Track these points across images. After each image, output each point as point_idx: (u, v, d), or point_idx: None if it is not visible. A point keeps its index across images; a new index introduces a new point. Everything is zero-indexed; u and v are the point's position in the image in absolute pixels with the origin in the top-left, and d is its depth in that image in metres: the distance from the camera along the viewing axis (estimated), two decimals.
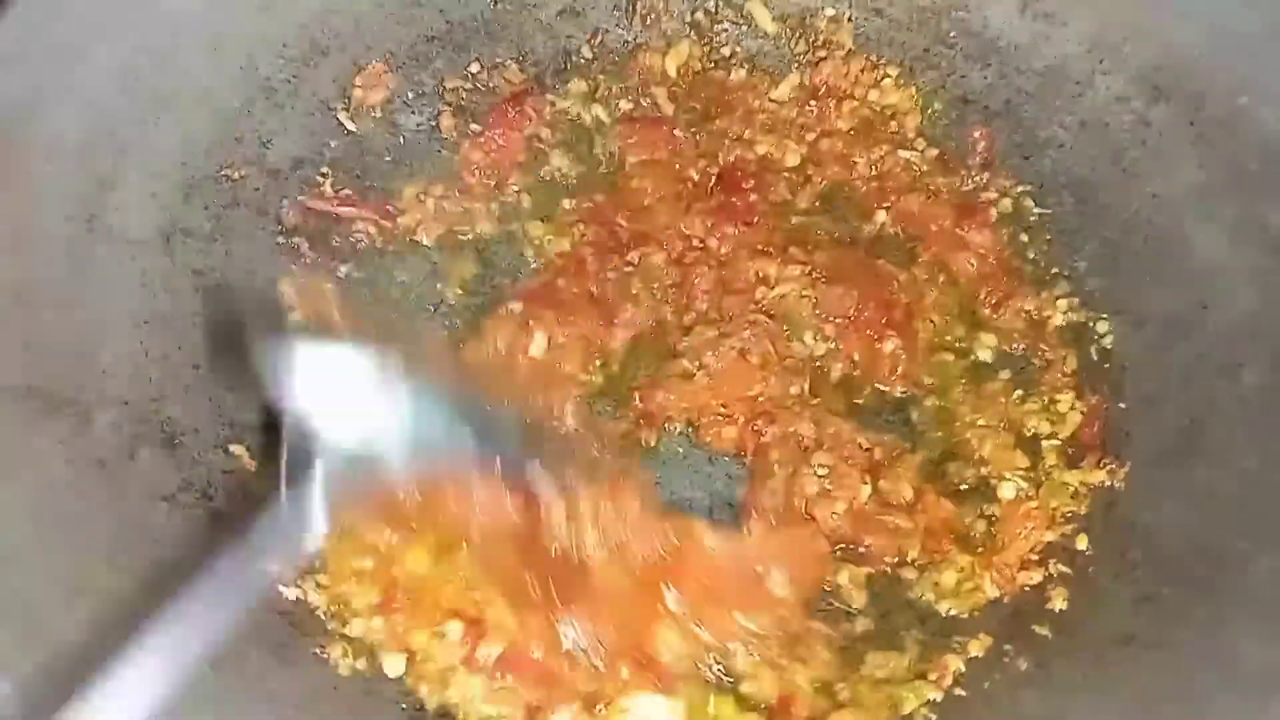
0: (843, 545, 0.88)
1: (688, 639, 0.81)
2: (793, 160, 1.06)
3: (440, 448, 0.78)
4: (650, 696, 0.81)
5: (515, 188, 1.04)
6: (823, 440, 0.91)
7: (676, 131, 1.07)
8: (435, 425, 0.78)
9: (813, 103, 1.08)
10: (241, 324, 0.83)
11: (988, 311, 0.99)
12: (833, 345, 0.96)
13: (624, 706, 0.80)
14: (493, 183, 1.04)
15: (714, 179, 1.04)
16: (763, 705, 0.82)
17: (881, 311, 0.96)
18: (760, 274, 0.98)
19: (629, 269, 0.99)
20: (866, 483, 0.89)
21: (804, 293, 0.96)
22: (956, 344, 0.98)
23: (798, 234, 1.01)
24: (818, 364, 0.95)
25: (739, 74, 1.10)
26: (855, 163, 1.06)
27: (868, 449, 0.91)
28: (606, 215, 1.02)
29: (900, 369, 0.95)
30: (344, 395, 0.75)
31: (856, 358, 0.95)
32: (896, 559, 0.88)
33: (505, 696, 0.81)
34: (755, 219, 1.01)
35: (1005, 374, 0.97)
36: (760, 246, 0.99)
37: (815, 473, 0.89)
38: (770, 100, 1.09)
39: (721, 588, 0.83)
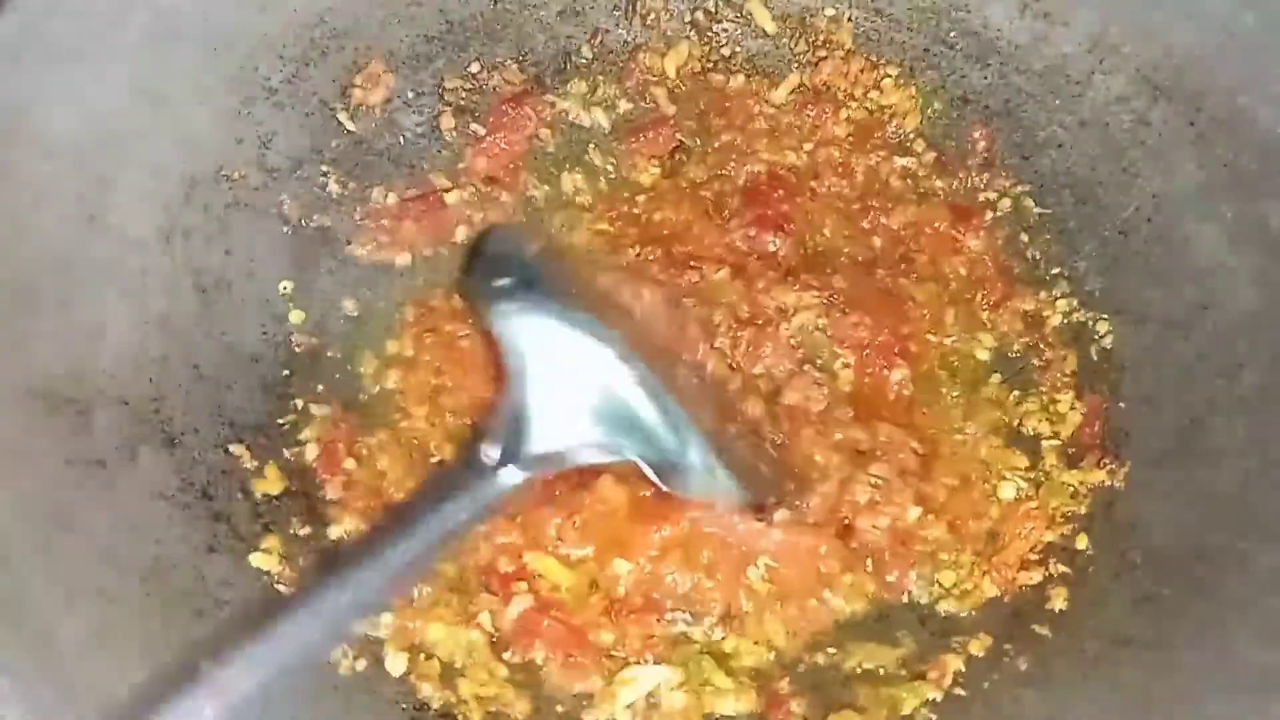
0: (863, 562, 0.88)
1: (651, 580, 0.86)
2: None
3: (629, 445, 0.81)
4: (651, 667, 0.83)
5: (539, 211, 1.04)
6: (876, 447, 0.90)
7: (679, 135, 1.07)
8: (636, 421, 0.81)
9: (810, 109, 1.08)
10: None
11: (986, 314, 0.99)
12: (848, 370, 0.95)
13: (627, 677, 0.82)
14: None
15: (739, 195, 1.04)
16: (754, 671, 0.83)
17: (894, 340, 0.96)
18: (779, 306, 0.96)
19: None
20: (918, 504, 0.88)
21: (819, 321, 0.96)
22: (957, 347, 0.98)
23: (818, 256, 1.01)
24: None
25: (737, 80, 1.10)
26: (854, 170, 1.06)
27: (922, 454, 0.91)
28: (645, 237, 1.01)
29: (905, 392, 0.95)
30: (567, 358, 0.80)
31: (872, 385, 0.95)
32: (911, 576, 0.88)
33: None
34: (793, 225, 1.01)
35: (1004, 374, 0.97)
36: (784, 269, 0.99)
37: (870, 483, 0.88)
38: (769, 106, 1.09)
39: (714, 561, 0.85)
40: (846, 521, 0.87)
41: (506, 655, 0.84)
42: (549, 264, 0.91)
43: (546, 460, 0.80)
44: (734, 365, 0.95)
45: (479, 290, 0.85)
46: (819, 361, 0.95)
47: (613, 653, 0.84)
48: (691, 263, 0.98)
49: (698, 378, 0.91)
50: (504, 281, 0.84)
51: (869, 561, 0.87)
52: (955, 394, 0.95)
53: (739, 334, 0.95)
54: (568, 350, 0.80)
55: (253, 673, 0.67)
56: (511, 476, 0.78)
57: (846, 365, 0.95)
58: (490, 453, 0.78)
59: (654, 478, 0.81)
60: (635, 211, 1.03)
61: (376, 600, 0.77)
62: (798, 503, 0.87)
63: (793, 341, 0.95)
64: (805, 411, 0.92)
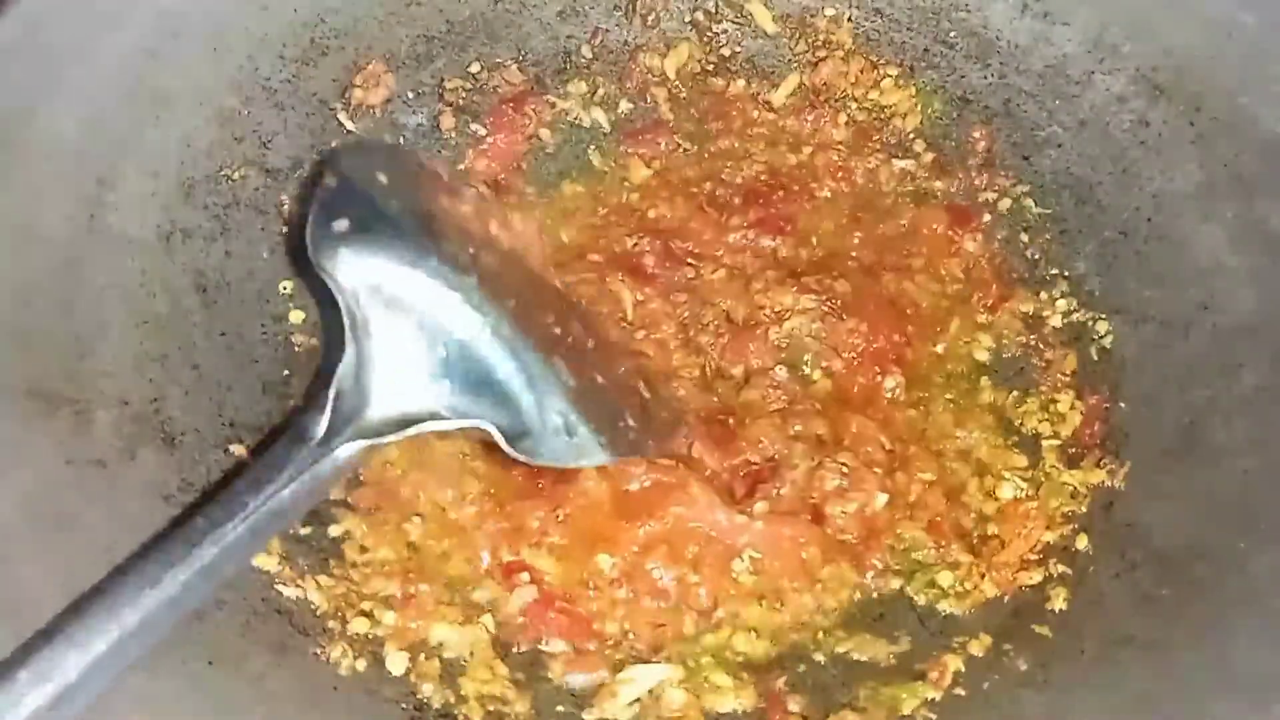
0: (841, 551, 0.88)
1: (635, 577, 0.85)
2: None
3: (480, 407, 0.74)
4: (652, 666, 0.83)
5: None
6: (843, 437, 0.91)
7: (677, 138, 1.07)
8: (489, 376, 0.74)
9: (809, 113, 1.08)
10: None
11: (984, 316, 0.99)
12: (826, 376, 0.95)
13: (628, 676, 0.82)
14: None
15: (737, 196, 1.04)
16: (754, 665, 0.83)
17: (890, 347, 0.96)
18: (774, 309, 0.97)
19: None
20: (885, 491, 0.89)
21: (813, 326, 0.96)
22: (954, 349, 0.98)
23: (818, 259, 1.01)
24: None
25: (737, 84, 1.10)
26: (853, 172, 1.06)
27: (890, 450, 0.91)
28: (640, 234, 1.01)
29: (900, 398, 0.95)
30: (406, 292, 0.72)
31: (855, 390, 0.95)
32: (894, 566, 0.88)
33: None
34: (792, 228, 1.01)
35: (1003, 375, 0.97)
36: (784, 271, 0.99)
37: (840, 469, 0.89)
38: (768, 112, 1.09)
39: (698, 555, 0.86)
40: (815, 505, 0.88)
41: (514, 649, 0.84)
42: (399, 193, 0.79)
43: (384, 427, 0.72)
44: (709, 368, 0.95)
45: (311, 237, 0.73)
46: (803, 366, 0.95)
47: (621, 644, 0.84)
48: (689, 260, 0.99)
49: (567, 318, 0.84)
50: (340, 224, 0.74)
51: (845, 551, 0.87)
52: (949, 396, 0.95)
53: (722, 334, 0.95)
54: (410, 297, 0.73)
55: (63, 671, 0.61)
56: (345, 449, 0.70)
57: (826, 372, 0.95)
58: (316, 424, 0.70)
59: (505, 446, 0.74)
60: (633, 208, 1.04)
61: (191, 595, 0.66)
62: (773, 491, 0.88)
63: (779, 344, 0.95)
64: (761, 408, 0.92)
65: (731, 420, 0.91)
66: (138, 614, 0.63)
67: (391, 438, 0.72)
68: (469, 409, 0.73)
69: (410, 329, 0.73)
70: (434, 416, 0.73)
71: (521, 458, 0.75)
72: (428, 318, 0.73)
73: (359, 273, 0.72)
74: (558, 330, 0.81)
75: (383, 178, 0.79)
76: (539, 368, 0.75)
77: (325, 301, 0.79)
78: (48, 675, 0.60)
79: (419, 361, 0.73)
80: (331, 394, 0.71)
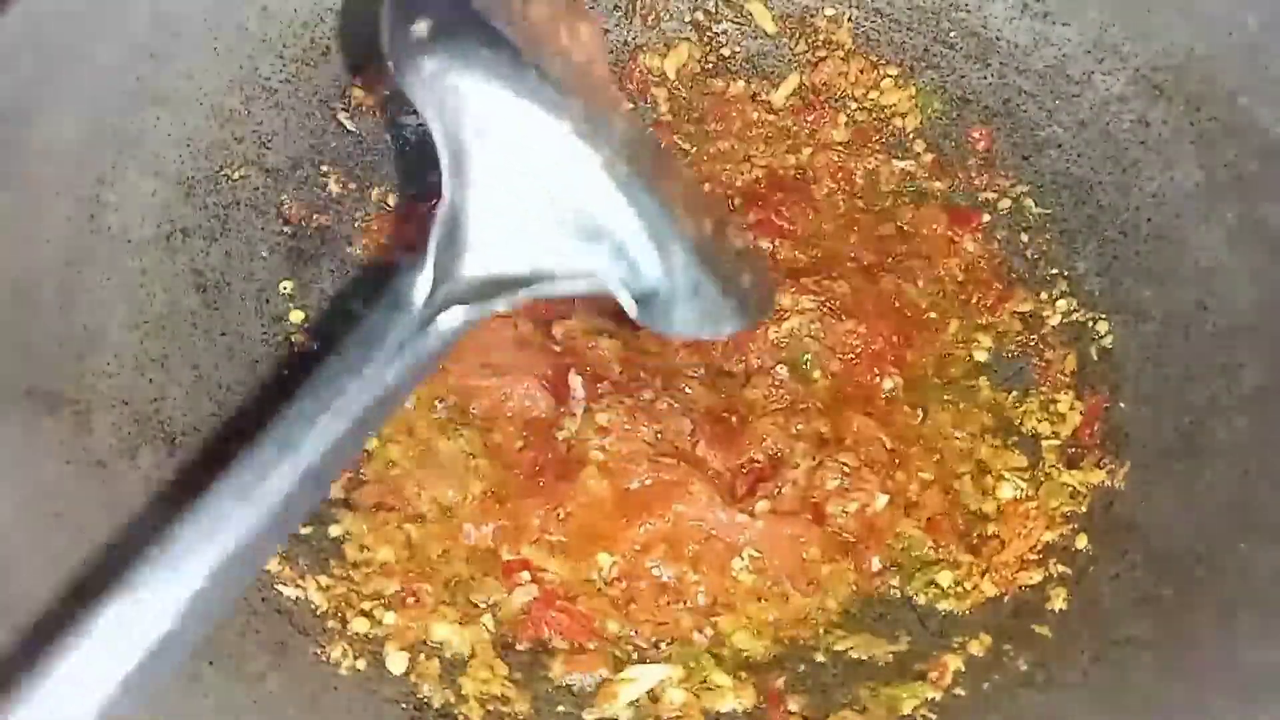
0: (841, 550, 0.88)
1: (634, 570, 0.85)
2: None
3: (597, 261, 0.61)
4: (652, 665, 0.83)
5: None
6: (844, 436, 0.91)
7: (677, 138, 1.07)
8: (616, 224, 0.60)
9: (808, 114, 1.09)
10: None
11: (984, 316, 0.99)
12: (825, 377, 0.95)
13: (628, 676, 0.82)
14: None
15: (737, 197, 1.04)
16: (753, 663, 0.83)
17: (889, 349, 0.96)
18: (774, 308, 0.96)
19: None
20: (886, 491, 0.89)
21: (812, 327, 0.96)
22: (953, 350, 0.98)
23: (819, 260, 1.01)
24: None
25: (737, 85, 1.10)
26: (853, 173, 1.06)
27: (892, 449, 0.91)
28: None
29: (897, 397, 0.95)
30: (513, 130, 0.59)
31: (854, 391, 0.95)
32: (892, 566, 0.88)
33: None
34: (793, 229, 1.01)
35: (1002, 375, 0.97)
36: (783, 272, 0.99)
37: (841, 468, 0.89)
38: (768, 113, 1.09)
39: (698, 554, 0.86)
40: (815, 503, 0.88)
41: (514, 649, 0.84)
42: None
43: (489, 288, 0.61)
44: (710, 365, 0.95)
45: (389, 43, 0.61)
46: (803, 365, 0.95)
47: (622, 642, 0.84)
48: None
49: (661, 151, 0.73)
50: (420, 27, 0.61)
51: (845, 550, 0.88)
52: (949, 396, 0.95)
53: None
54: (508, 124, 0.60)
55: (179, 584, 0.55)
56: (451, 317, 0.60)
57: (826, 373, 0.95)
58: (415, 287, 0.61)
59: (632, 310, 0.63)
60: None
61: (304, 497, 0.58)
62: (774, 489, 0.88)
63: (779, 343, 0.95)
64: (764, 406, 0.92)
65: (735, 419, 0.91)
66: (234, 532, 0.56)
67: (501, 302, 0.61)
68: (587, 265, 0.61)
69: (509, 165, 0.61)
70: (547, 277, 0.61)
71: (651, 325, 0.63)
72: (530, 151, 0.60)
73: (445, 91, 0.60)
74: (661, 166, 0.69)
75: None
76: (660, 215, 0.61)
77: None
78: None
79: (522, 207, 0.61)
80: (432, 247, 0.61)
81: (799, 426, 0.91)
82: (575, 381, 0.91)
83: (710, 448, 0.90)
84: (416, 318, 0.60)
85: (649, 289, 0.62)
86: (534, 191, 0.61)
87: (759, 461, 0.90)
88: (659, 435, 0.89)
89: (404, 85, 0.61)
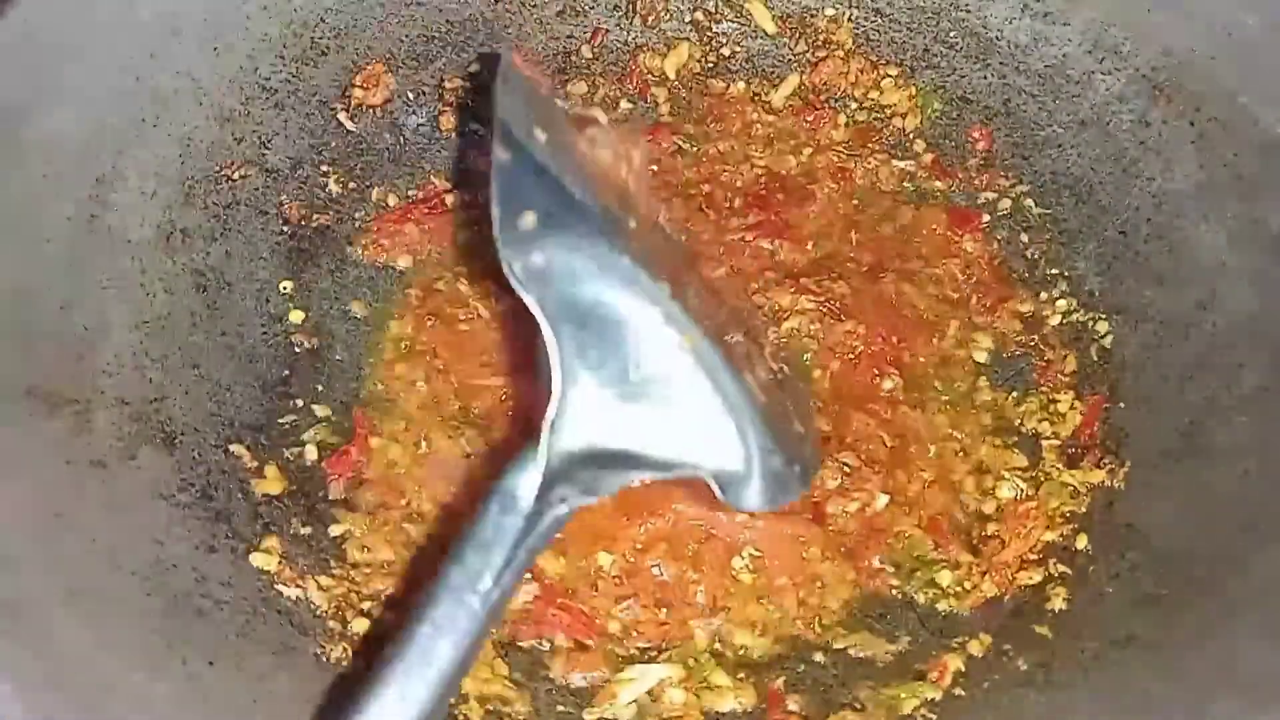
0: (841, 550, 0.88)
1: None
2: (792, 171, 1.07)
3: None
4: (652, 665, 0.83)
5: None
6: (845, 435, 0.91)
7: (676, 139, 1.07)
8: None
9: (808, 115, 1.08)
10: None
11: (983, 317, 0.99)
12: (826, 376, 0.95)
13: (628, 676, 0.82)
14: None
15: (737, 199, 1.04)
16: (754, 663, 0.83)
17: (888, 349, 0.96)
18: (775, 307, 0.97)
19: None
20: (887, 492, 0.89)
21: (812, 327, 0.96)
22: (953, 350, 0.98)
23: (819, 261, 1.01)
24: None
25: (737, 86, 1.10)
26: (853, 174, 1.06)
27: (892, 447, 0.91)
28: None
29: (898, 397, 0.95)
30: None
31: (847, 391, 0.95)
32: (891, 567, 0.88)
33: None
34: (793, 230, 1.01)
35: (1002, 375, 0.97)
36: (784, 272, 0.99)
37: (842, 468, 0.89)
38: (768, 114, 1.09)
39: (698, 553, 0.86)
40: (816, 503, 0.88)
41: (514, 648, 0.84)
42: (560, 151, 0.67)
43: (600, 480, 0.64)
44: None
45: (502, 235, 0.62)
46: (802, 363, 0.95)
47: (624, 641, 0.84)
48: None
49: (737, 329, 0.75)
50: (529, 218, 0.62)
51: (845, 549, 0.88)
52: (948, 396, 0.95)
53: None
54: (607, 313, 0.63)
55: None
56: (560, 511, 0.63)
57: (827, 372, 0.95)
58: (529, 484, 0.63)
59: (719, 494, 0.66)
60: None
61: (439, 706, 0.62)
62: None
63: (779, 341, 0.95)
64: None
65: None
66: None
67: (606, 490, 0.65)
68: (679, 455, 0.65)
69: (612, 353, 0.63)
70: (648, 465, 0.65)
71: (736, 504, 0.67)
72: (626, 337, 0.63)
73: (554, 280, 0.62)
74: (725, 322, 0.72)
75: (540, 133, 0.66)
76: (738, 392, 0.65)
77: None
78: None
79: (625, 394, 0.64)
80: (545, 442, 0.63)
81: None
82: None
83: None
84: (529, 518, 0.63)
85: (734, 474, 0.65)
86: (633, 377, 0.64)
87: None
88: None
89: (513, 276, 0.63)
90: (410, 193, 1.04)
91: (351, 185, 1.02)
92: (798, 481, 0.69)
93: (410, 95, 1.06)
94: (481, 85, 1.08)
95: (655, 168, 1.06)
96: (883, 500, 0.89)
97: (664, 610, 0.85)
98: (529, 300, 0.63)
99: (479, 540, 0.62)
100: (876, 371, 0.95)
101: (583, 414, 0.63)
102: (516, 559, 0.62)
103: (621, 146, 0.73)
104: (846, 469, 0.89)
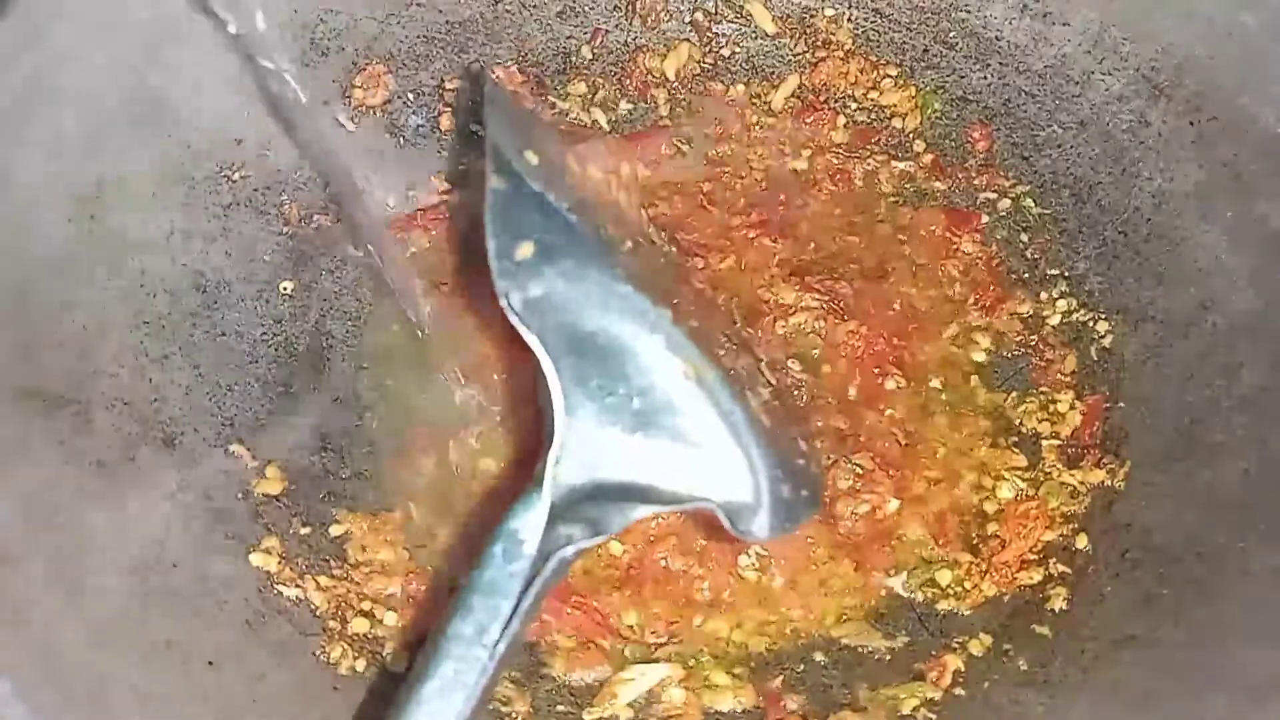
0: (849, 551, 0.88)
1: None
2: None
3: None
4: (652, 665, 0.83)
5: None
6: (860, 433, 0.91)
7: (676, 141, 1.07)
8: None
9: (808, 117, 1.09)
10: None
11: (981, 317, 0.99)
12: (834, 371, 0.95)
13: (628, 676, 0.82)
14: None
15: (740, 198, 1.04)
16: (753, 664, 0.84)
17: (890, 350, 0.96)
18: (780, 302, 0.97)
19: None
20: (898, 497, 0.89)
21: (817, 324, 0.96)
22: (952, 350, 0.98)
23: (821, 260, 1.01)
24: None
25: (737, 89, 1.10)
26: (852, 175, 1.06)
27: (905, 444, 0.91)
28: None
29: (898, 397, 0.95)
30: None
31: (853, 392, 0.95)
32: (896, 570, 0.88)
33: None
34: (794, 229, 1.02)
35: (1001, 376, 0.97)
36: (788, 269, 0.99)
37: (854, 470, 0.89)
38: (768, 115, 1.09)
39: (706, 549, 0.86)
40: (826, 503, 0.88)
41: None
42: (553, 175, 0.65)
43: (605, 518, 0.62)
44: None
45: (498, 267, 0.61)
46: (811, 357, 0.95)
47: (631, 639, 0.84)
48: (696, 251, 0.99)
49: (735, 345, 0.75)
50: (526, 248, 0.61)
51: (852, 550, 0.88)
52: (948, 397, 0.95)
53: (736, 319, 0.95)
54: (607, 343, 0.62)
55: None
56: (565, 553, 0.61)
57: (834, 368, 0.95)
58: (533, 527, 0.61)
59: (729, 526, 0.65)
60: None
61: None
62: None
63: (788, 338, 0.96)
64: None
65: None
66: None
67: (614, 528, 0.63)
68: (688, 487, 0.63)
69: (613, 385, 0.62)
70: (655, 499, 0.64)
71: (746, 535, 0.66)
72: (629, 367, 0.62)
73: (552, 310, 0.61)
74: (725, 341, 0.71)
75: (532, 157, 0.65)
76: (744, 420, 0.64)
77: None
78: None
79: (627, 426, 0.62)
80: (548, 482, 0.61)
81: (819, 423, 0.91)
82: None
83: None
84: (535, 561, 0.60)
85: (743, 503, 0.64)
86: (637, 407, 0.62)
87: None
88: None
89: (511, 310, 0.61)
90: (410, 194, 1.04)
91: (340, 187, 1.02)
92: (805, 507, 0.69)
93: (410, 95, 1.06)
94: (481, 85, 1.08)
95: (651, 170, 1.06)
96: (894, 504, 0.89)
97: (670, 604, 0.85)
98: (528, 335, 0.61)
99: (485, 588, 0.60)
100: (880, 371, 0.95)
101: (586, 447, 0.62)
102: (523, 606, 0.60)
103: (611, 160, 0.74)
104: (859, 470, 0.89)
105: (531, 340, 0.61)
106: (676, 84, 1.11)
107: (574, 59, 1.10)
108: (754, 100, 1.10)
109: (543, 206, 0.63)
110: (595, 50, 1.10)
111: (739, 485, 0.65)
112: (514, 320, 0.61)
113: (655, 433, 0.63)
